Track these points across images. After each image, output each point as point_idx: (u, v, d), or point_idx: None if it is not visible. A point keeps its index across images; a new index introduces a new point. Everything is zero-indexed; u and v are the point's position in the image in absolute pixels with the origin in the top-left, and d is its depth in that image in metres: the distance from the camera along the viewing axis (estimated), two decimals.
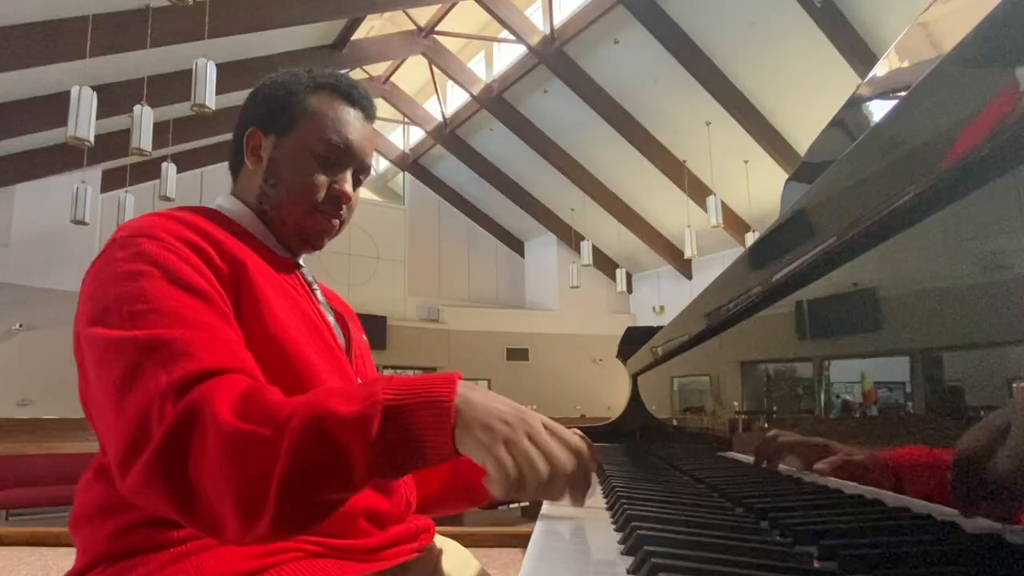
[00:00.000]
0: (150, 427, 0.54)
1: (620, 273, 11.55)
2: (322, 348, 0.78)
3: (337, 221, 0.85)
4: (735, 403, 0.91)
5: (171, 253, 0.66)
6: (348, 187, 0.84)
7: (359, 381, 0.82)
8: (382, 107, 10.84)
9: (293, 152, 0.82)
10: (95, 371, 0.61)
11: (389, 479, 0.57)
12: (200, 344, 0.59)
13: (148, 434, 0.54)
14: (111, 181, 8.99)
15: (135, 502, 0.57)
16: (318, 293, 0.87)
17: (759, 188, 9.43)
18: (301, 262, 0.88)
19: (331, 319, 0.86)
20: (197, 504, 0.53)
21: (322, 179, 0.82)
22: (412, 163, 13.08)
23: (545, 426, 0.56)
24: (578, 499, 0.55)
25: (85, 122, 4.72)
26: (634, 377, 1.66)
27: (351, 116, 0.85)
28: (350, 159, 0.84)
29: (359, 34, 8.74)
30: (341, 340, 0.85)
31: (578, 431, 0.66)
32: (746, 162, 9.30)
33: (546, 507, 0.64)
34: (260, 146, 0.84)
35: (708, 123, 8.92)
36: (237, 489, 0.52)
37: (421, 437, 0.53)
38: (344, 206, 0.84)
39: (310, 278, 0.88)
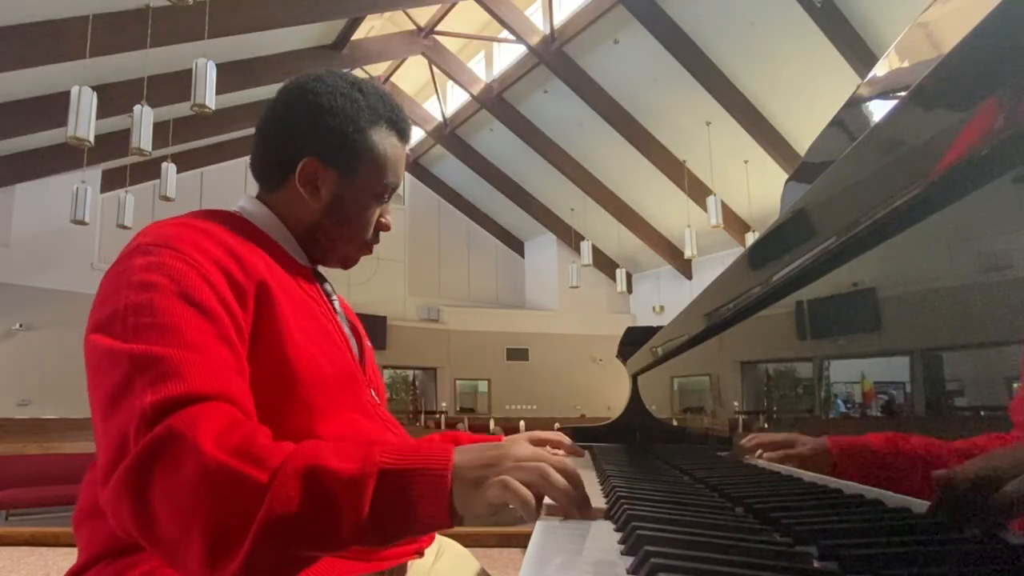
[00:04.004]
0: (127, 444, 0.54)
1: (620, 273, 11.55)
2: (339, 362, 0.77)
3: (376, 246, 0.91)
4: (735, 403, 0.91)
5: (190, 268, 0.65)
6: (391, 218, 0.90)
7: (373, 394, 0.83)
8: None
9: (357, 194, 0.83)
10: (91, 378, 0.60)
11: (372, 547, 0.57)
12: (192, 367, 0.58)
13: (125, 451, 0.54)
14: (111, 181, 8.99)
15: (110, 516, 0.56)
16: (336, 304, 0.88)
17: (759, 188, 9.43)
18: (320, 270, 0.89)
19: (347, 330, 0.86)
20: (160, 530, 0.52)
21: (374, 215, 0.86)
22: (412, 163, 13.08)
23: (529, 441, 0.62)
24: (580, 505, 0.56)
25: (85, 122, 4.72)
26: (634, 377, 1.66)
27: (402, 153, 0.87)
28: (394, 191, 0.88)
29: (359, 34, 8.74)
30: (355, 351, 0.85)
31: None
32: (746, 162, 9.30)
33: (546, 506, 0.63)
34: (317, 177, 0.82)
35: (708, 123, 8.92)
36: (210, 525, 0.51)
37: (417, 504, 0.54)
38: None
39: (329, 288, 0.89)
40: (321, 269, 0.91)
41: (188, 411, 0.55)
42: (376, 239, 0.89)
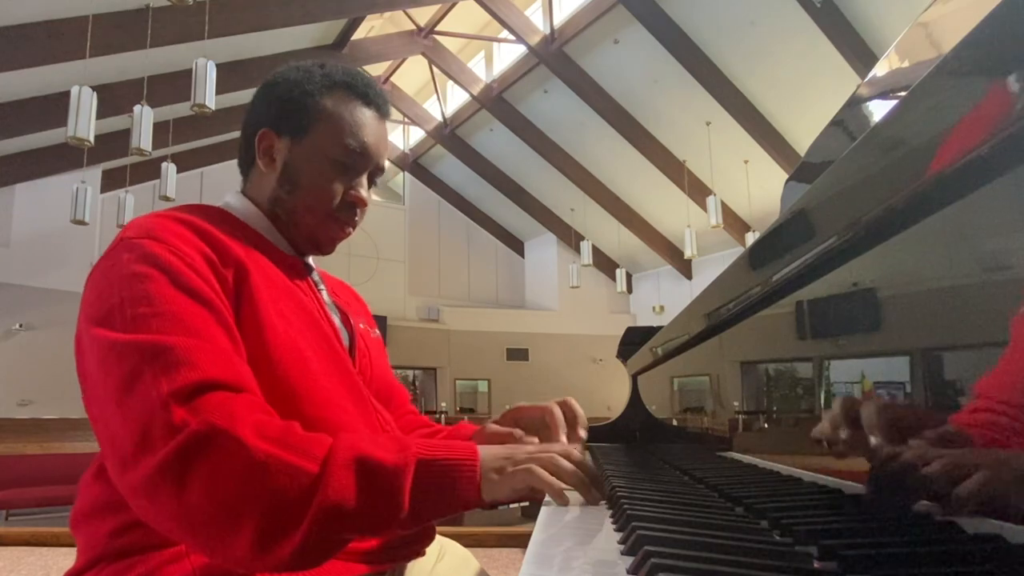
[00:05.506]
0: (152, 433, 0.55)
1: (620, 273, 11.54)
2: (325, 352, 0.77)
3: (351, 227, 0.84)
4: (735, 403, 0.91)
5: (177, 257, 0.65)
6: (364, 192, 0.83)
7: (360, 384, 0.81)
8: None
9: (309, 157, 0.80)
10: (97, 372, 0.60)
11: (408, 528, 0.60)
12: (200, 353, 0.59)
13: (151, 440, 0.54)
14: (111, 181, 8.98)
15: (132, 504, 0.58)
16: (324, 294, 0.86)
17: (759, 188, 9.42)
18: (310, 261, 0.88)
19: (336, 320, 0.85)
20: (203, 518, 0.53)
21: (338, 185, 0.81)
22: (412, 163, 13.08)
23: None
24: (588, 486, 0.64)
25: (85, 122, 4.71)
26: (634, 377, 1.66)
27: (367, 117, 0.82)
28: (366, 162, 0.82)
29: (359, 34, 8.73)
30: (345, 340, 0.84)
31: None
32: (746, 162, 9.30)
33: (546, 507, 0.64)
34: (273, 148, 0.81)
35: (708, 123, 8.91)
36: (263, 513, 0.53)
37: (451, 490, 0.60)
38: (358, 210, 0.84)
39: (316, 277, 0.87)
40: (322, 267, 0.90)
41: (217, 401, 0.56)
42: (350, 214, 0.83)
